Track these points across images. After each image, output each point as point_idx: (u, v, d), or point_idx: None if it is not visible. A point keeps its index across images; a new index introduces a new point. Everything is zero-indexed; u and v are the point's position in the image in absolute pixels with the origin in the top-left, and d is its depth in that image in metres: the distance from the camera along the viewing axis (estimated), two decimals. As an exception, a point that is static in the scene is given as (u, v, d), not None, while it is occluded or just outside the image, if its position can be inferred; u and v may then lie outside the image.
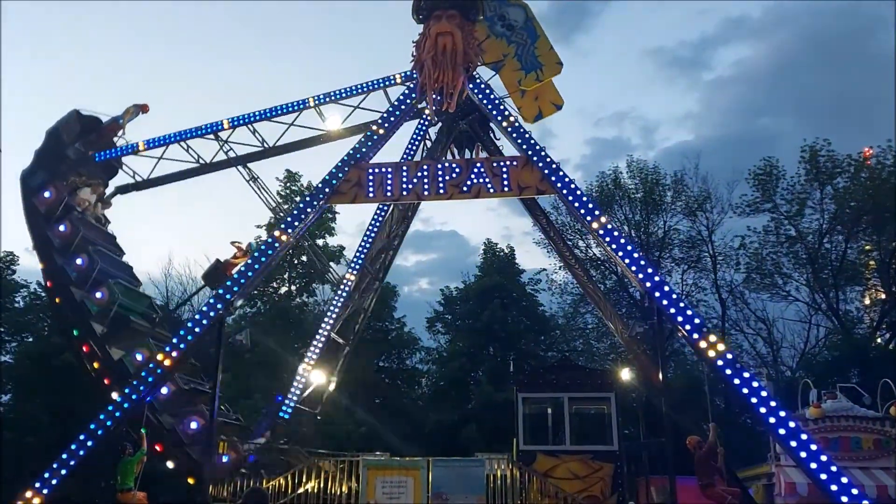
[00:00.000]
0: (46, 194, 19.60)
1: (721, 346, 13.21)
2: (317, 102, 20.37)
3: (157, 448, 15.77)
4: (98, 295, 18.05)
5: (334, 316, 21.16)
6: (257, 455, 16.83)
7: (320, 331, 20.95)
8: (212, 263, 18.67)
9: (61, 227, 19.12)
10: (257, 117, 20.64)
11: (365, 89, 20.16)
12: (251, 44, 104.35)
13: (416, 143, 21.98)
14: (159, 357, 14.72)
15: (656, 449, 14.61)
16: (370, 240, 22.05)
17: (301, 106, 20.36)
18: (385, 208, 21.91)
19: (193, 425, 16.22)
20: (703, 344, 13.18)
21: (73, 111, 21.02)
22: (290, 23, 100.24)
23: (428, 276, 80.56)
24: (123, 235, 21.75)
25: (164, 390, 16.70)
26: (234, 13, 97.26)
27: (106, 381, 16.64)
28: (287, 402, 19.92)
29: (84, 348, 17.38)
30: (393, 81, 19.71)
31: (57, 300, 18.41)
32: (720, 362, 13.04)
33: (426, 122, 21.52)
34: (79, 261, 18.59)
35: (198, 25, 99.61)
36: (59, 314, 18.31)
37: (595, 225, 14.81)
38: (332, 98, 20.46)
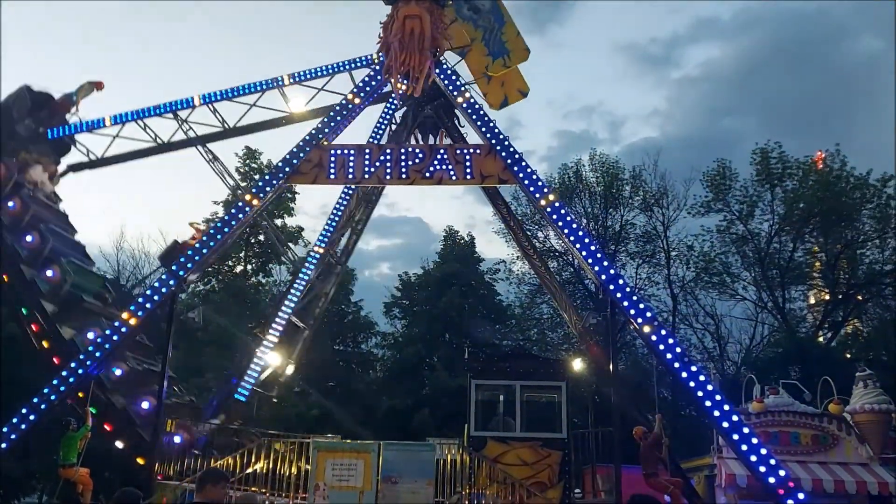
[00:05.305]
0: None
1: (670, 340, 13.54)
2: (279, 84, 20.16)
3: (107, 427, 15.50)
4: (49, 273, 17.75)
5: (295, 298, 20.75)
6: (210, 436, 16.62)
7: (280, 313, 20.45)
8: (169, 245, 18.42)
9: (10, 204, 18.54)
10: (219, 97, 20.34)
11: (330, 71, 19.97)
12: (214, 23, 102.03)
13: (383, 126, 21.72)
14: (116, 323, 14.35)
15: (604, 438, 14.91)
16: (334, 223, 21.58)
17: (264, 86, 20.15)
18: (350, 191, 21.49)
19: (145, 405, 15.95)
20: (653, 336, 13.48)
21: (24, 86, 20.36)
22: (255, 4, 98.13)
23: (390, 260, 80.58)
24: (75, 206, 21.31)
25: (117, 371, 16.40)
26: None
27: (55, 360, 16.20)
28: (244, 383, 19.65)
29: (33, 327, 16.99)
30: (358, 64, 19.53)
31: (5, 278, 17.88)
32: (669, 355, 13.35)
33: (393, 106, 21.27)
34: (29, 238, 18.21)
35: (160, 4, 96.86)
36: (8, 292, 17.88)
37: (554, 216, 14.95)
38: (297, 80, 20.22)
